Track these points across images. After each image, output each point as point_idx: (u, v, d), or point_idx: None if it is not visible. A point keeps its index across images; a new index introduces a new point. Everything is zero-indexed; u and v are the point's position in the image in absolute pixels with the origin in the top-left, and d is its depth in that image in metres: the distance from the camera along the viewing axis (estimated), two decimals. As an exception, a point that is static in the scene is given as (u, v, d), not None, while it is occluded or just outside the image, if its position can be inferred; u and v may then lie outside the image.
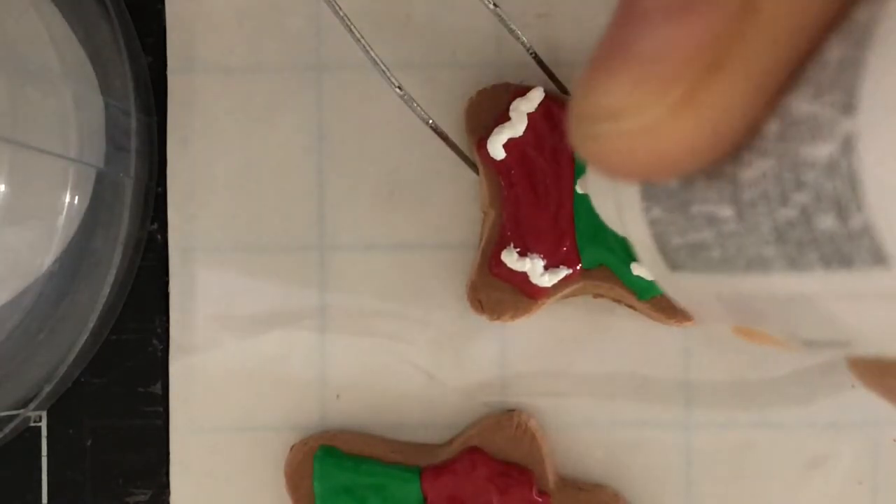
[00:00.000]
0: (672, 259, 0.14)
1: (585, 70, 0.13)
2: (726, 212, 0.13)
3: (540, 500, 0.30)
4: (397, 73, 0.28)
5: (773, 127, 0.12)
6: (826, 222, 0.12)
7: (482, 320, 0.31)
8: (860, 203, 0.11)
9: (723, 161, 0.13)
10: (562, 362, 0.32)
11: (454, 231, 0.32)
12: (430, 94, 0.31)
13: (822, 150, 0.11)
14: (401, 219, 0.32)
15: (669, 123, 0.12)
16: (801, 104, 0.12)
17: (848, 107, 0.11)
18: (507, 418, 0.31)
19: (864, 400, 0.31)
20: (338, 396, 0.32)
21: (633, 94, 0.12)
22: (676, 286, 0.15)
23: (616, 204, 0.16)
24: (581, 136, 0.13)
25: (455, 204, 0.32)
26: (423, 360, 0.32)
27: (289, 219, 0.32)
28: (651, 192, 0.14)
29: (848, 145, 0.11)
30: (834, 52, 0.12)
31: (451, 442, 0.31)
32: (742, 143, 0.13)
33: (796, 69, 0.12)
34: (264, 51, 0.32)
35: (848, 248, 0.11)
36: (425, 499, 0.31)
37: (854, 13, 0.12)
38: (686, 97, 0.12)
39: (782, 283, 0.13)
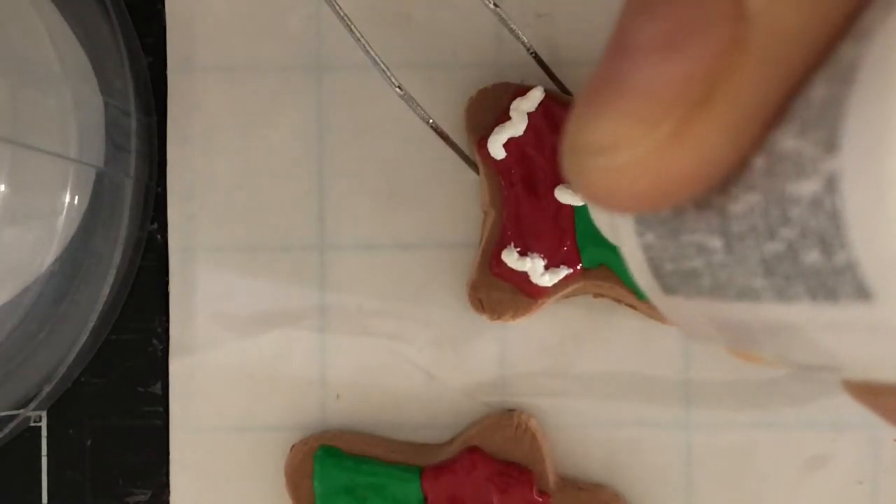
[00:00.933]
0: (665, 283, 0.15)
1: (578, 103, 0.13)
2: (716, 242, 0.13)
3: (540, 499, 0.30)
4: (397, 72, 0.28)
5: (759, 162, 0.12)
6: (811, 257, 0.12)
7: (482, 320, 0.31)
8: (843, 240, 0.11)
9: (712, 192, 0.13)
10: (562, 362, 0.32)
11: (454, 231, 0.32)
12: (430, 93, 0.31)
13: (807, 188, 0.12)
14: (401, 219, 0.32)
15: (658, 158, 0.12)
16: (787, 140, 0.12)
17: (831, 146, 0.11)
18: (507, 418, 0.31)
19: (864, 400, 0.31)
20: (338, 396, 0.32)
21: (622, 129, 0.12)
22: (671, 308, 0.15)
23: (610, 222, 0.16)
24: (572, 168, 0.13)
25: (455, 204, 0.32)
26: (423, 360, 0.32)
27: (289, 219, 0.32)
28: (644, 217, 0.14)
29: (831, 184, 0.11)
30: (819, 90, 0.12)
31: (451, 442, 0.31)
32: (730, 176, 0.13)
33: (784, 105, 0.12)
34: (264, 51, 0.32)
35: (833, 283, 0.12)
36: (425, 499, 0.31)
37: (839, 52, 0.12)
38: (675, 132, 0.12)
39: (772, 313, 0.13)
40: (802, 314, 0.12)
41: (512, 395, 0.32)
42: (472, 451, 0.30)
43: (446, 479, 0.30)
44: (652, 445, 0.32)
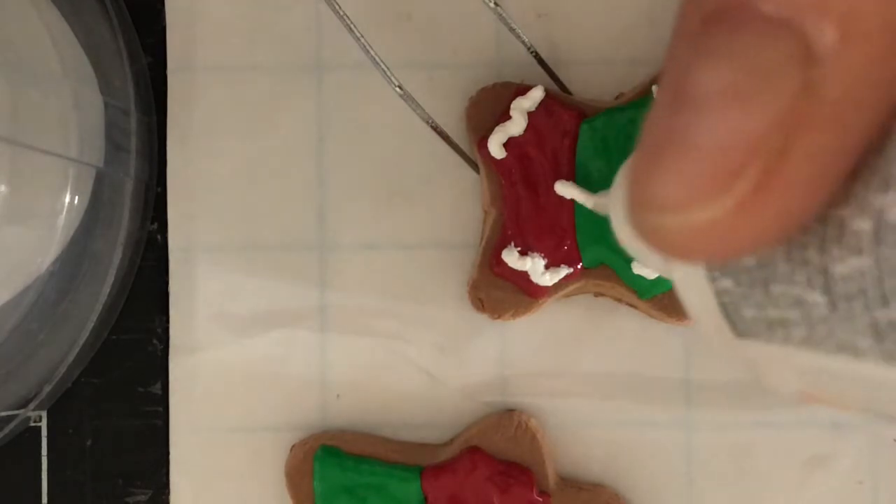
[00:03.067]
0: (741, 328, 0.14)
1: (642, 155, 0.13)
2: (817, 298, 0.12)
3: (540, 499, 0.30)
4: (397, 72, 0.28)
5: (864, 226, 0.12)
6: None
7: (482, 320, 0.31)
8: None
9: (806, 248, 0.12)
10: (562, 362, 0.32)
11: (455, 231, 0.32)
12: (430, 93, 0.31)
13: None
14: (401, 219, 0.32)
15: (734, 217, 0.11)
16: (885, 199, 0.11)
17: None
18: (508, 418, 0.31)
19: (865, 400, 0.31)
20: (338, 396, 0.32)
21: (694, 190, 0.12)
22: (739, 349, 0.14)
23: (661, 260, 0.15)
24: (641, 224, 0.12)
25: (455, 204, 0.32)
26: (423, 359, 0.32)
27: (289, 219, 0.32)
28: (720, 264, 0.14)
29: None
30: None
31: (451, 442, 0.31)
32: (823, 233, 0.12)
33: (868, 150, 0.11)
34: (264, 51, 0.32)
35: None
36: (425, 499, 0.30)
37: None
38: (751, 190, 0.11)
39: (874, 371, 0.12)
40: None
41: (512, 395, 0.32)
42: (473, 451, 0.30)
43: (446, 479, 0.30)
44: (652, 445, 0.32)
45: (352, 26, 0.27)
